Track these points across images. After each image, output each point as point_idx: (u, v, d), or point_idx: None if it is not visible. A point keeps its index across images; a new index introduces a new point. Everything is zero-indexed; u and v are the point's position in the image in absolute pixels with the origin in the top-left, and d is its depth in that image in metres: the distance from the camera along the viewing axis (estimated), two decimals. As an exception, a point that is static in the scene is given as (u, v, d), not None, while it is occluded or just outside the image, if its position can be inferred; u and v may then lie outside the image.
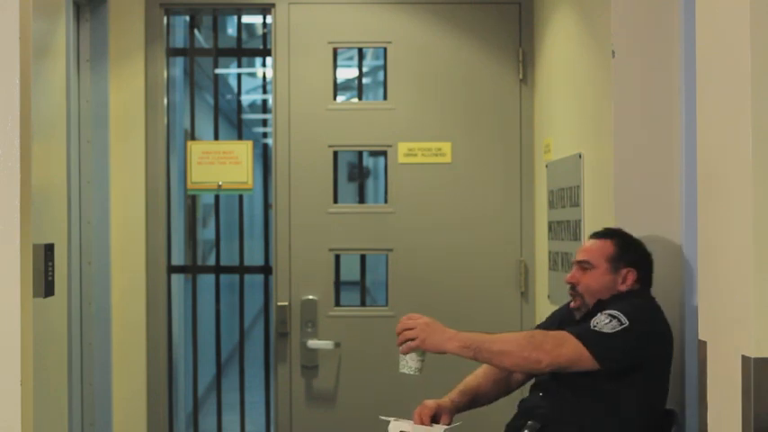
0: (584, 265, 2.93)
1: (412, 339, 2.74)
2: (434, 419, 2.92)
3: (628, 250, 2.94)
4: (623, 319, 2.74)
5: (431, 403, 2.95)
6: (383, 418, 2.93)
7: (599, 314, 2.79)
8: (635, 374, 2.77)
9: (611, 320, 2.75)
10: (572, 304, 2.99)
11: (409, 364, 2.80)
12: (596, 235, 3.00)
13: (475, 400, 3.04)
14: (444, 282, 4.29)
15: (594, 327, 2.74)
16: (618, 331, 2.72)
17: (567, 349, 2.70)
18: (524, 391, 3.08)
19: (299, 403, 4.28)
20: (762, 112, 1.89)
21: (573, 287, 2.95)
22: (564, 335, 2.73)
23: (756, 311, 1.90)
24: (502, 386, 3.08)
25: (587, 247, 2.97)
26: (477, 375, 3.07)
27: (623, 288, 2.90)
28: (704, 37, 2.17)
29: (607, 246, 2.94)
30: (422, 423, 2.89)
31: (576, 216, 3.48)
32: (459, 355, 2.71)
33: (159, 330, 4.31)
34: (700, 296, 2.23)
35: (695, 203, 2.30)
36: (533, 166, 4.27)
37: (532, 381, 3.02)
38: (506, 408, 3.07)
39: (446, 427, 2.87)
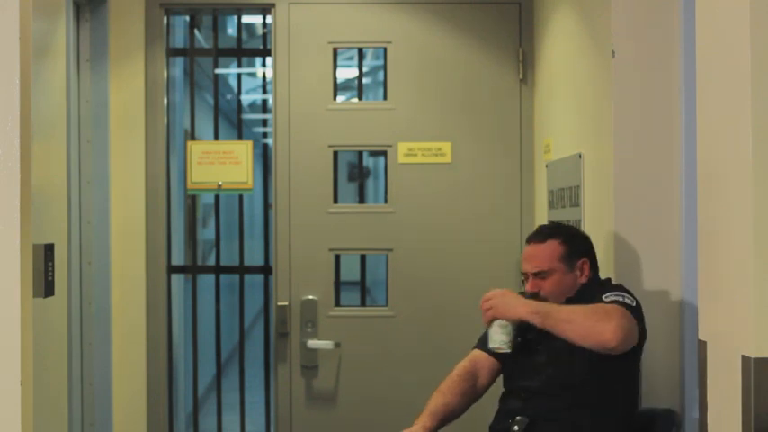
0: (542, 275, 2.91)
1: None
2: None
3: (574, 242, 2.95)
4: (630, 299, 2.76)
5: None
6: None
7: (608, 294, 2.77)
8: (627, 363, 2.78)
9: (624, 297, 2.75)
10: None
11: (494, 338, 2.83)
12: (536, 238, 2.97)
13: (445, 418, 2.97)
14: (444, 282, 4.29)
15: (625, 301, 2.73)
16: (637, 304, 2.76)
17: (629, 322, 2.68)
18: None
19: (299, 403, 4.28)
20: (762, 112, 1.89)
21: (535, 295, 2.91)
22: (621, 308, 2.70)
23: (756, 311, 1.90)
24: (469, 395, 3.02)
25: (534, 254, 2.93)
26: (443, 392, 3.00)
27: (584, 280, 2.92)
28: (704, 37, 2.17)
29: (554, 247, 2.92)
30: None
31: (576, 216, 3.48)
32: (530, 321, 2.74)
33: (159, 330, 4.31)
34: (700, 296, 2.23)
35: (695, 203, 2.30)
36: (533, 166, 4.27)
37: (501, 390, 2.99)
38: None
39: None
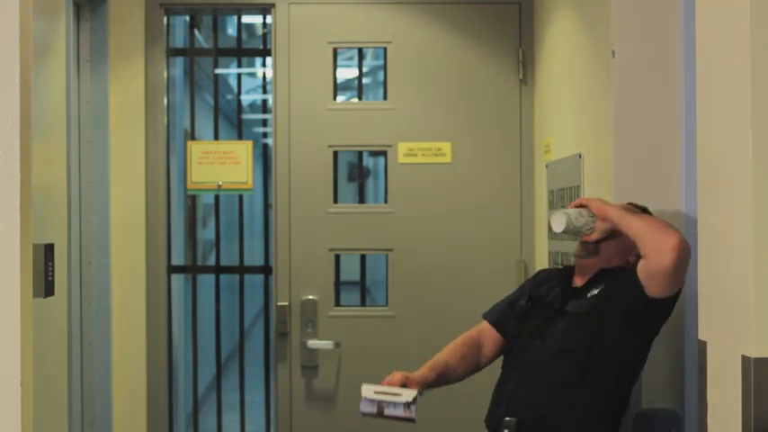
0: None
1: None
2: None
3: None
4: None
5: (399, 374, 2.92)
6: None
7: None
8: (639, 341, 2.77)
9: None
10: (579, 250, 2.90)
11: (572, 217, 2.77)
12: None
13: (443, 375, 3.00)
14: (444, 282, 4.29)
15: None
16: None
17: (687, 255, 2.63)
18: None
19: (299, 403, 4.28)
20: (762, 112, 1.89)
21: (595, 245, 2.85)
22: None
23: (756, 311, 1.90)
24: (470, 362, 3.04)
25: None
26: (445, 352, 3.04)
27: (632, 260, 2.81)
28: (704, 37, 2.17)
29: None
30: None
31: (576, 216, 3.47)
32: (610, 220, 2.73)
33: (159, 330, 4.31)
34: (700, 296, 2.23)
35: (695, 203, 2.30)
36: (533, 166, 4.27)
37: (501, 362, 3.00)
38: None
39: (416, 392, 2.86)
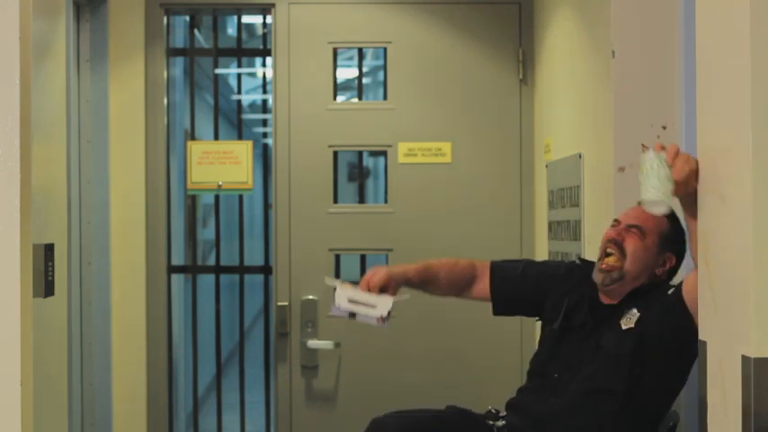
0: (635, 230, 2.69)
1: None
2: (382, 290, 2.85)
3: (678, 235, 2.69)
4: None
5: (381, 273, 2.85)
6: (328, 280, 2.86)
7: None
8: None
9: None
10: (602, 265, 2.72)
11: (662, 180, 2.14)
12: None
13: (427, 282, 2.97)
14: (444, 282, 4.28)
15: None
16: None
17: None
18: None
19: (299, 403, 4.28)
20: (762, 112, 1.89)
21: (617, 243, 2.69)
22: None
23: (756, 311, 1.90)
24: (455, 283, 3.01)
25: (639, 213, 2.67)
26: (441, 262, 3.01)
27: (660, 273, 2.71)
28: (704, 37, 2.17)
29: (663, 221, 2.67)
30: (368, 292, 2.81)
31: (576, 216, 3.48)
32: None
33: (159, 330, 4.31)
34: (700, 296, 2.23)
35: (695, 203, 2.30)
36: (533, 166, 4.27)
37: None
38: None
39: (393, 298, 2.78)
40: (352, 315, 2.78)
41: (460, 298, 3.08)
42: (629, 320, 2.69)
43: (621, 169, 3.11)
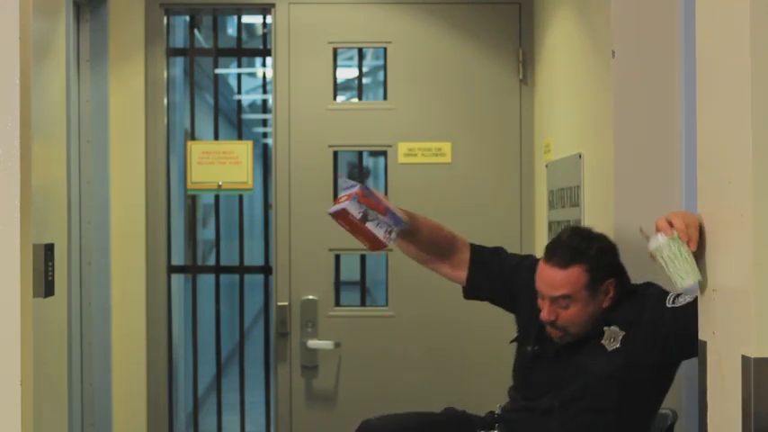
0: (562, 301, 2.62)
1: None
2: None
3: (599, 264, 2.63)
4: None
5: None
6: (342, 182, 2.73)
7: (674, 298, 2.53)
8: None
9: (674, 298, 2.53)
10: (552, 336, 2.70)
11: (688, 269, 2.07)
12: (557, 261, 2.62)
13: (410, 231, 2.87)
14: (444, 282, 4.27)
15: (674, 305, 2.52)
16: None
17: None
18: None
19: (299, 403, 4.28)
20: (762, 112, 1.89)
21: (553, 324, 2.65)
22: None
23: (756, 311, 1.90)
24: (430, 250, 2.95)
25: (557, 279, 2.60)
26: (428, 221, 2.93)
27: (608, 303, 2.65)
28: (704, 37, 2.17)
29: (577, 275, 2.60)
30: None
31: (576, 216, 3.48)
32: None
33: (159, 330, 4.31)
34: (699, 296, 2.23)
35: (695, 203, 2.30)
36: (533, 166, 4.27)
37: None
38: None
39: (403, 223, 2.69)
40: (364, 217, 2.65)
41: (428, 266, 3.00)
42: (614, 341, 2.64)
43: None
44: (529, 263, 2.92)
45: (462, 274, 2.99)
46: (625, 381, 2.64)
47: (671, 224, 2.06)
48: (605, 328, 2.65)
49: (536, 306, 2.74)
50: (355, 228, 2.67)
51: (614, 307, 2.67)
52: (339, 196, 2.71)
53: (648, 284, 2.74)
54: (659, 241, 2.08)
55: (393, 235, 2.68)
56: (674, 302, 2.56)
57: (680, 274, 2.07)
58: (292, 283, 4.29)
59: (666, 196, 3.09)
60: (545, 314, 2.64)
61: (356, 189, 2.66)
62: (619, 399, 2.64)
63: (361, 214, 2.65)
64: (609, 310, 2.67)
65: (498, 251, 3.04)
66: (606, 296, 2.65)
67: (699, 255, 2.08)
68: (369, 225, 2.68)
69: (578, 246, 2.63)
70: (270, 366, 4.52)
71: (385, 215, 2.67)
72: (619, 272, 2.71)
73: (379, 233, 2.67)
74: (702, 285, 2.16)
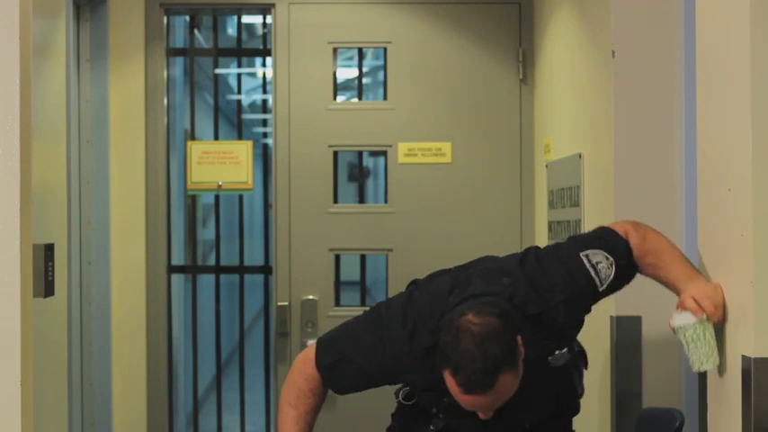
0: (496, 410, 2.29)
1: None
2: None
3: (512, 352, 2.22)
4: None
5: None
6: None
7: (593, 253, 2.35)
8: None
9: (604, 261, 2.33)
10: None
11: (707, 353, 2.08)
12: (484, 389, 2.19)
13: None
14: (444, 282, 4.28)
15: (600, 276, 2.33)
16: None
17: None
18: None
19: (299, 403, 4.27)
20: (762, 112, 1.89)
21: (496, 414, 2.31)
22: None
23: (756, 311, 1.90)
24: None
25: (487, 403, 2.24)
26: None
27: (523, 355, 2.26)
28: (704, 37, 2.17)
29: (508, 378, 2.21)
30: None
31: (576, 216, 3.48)
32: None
33: (159, 330, 4.31)
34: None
35: (695, 203, 2.30)
36: (533, 166, 4.27)
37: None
38: None
39: None
40: None
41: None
42: (559, 358, 2.40)
43: None
44: (410, 356, 2.42)
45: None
46: (574, 365, 2.52)
47: (699, 304, 2.06)
48: (549, 359, 2.38)
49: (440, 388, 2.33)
50: None
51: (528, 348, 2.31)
52: None
53: (520, 265, 2.43)
54: (685, 321, 2.08)
55: None
56: (602, 285, 2.34)
57: (700, 359, 2.07)
58: (292, 283, 4.29)
59: (666, 196, 3.09)
60: (483, 417, 2.30)
61: None
62: (579, 380, 2.57)
63: None
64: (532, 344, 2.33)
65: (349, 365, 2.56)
66: (521, 352, 2.28)
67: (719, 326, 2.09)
68: None
69: (492, 356, 2.20)
70: (270, 366, 4.52)
71: None
72: (514, 331, 2.28)
73: None
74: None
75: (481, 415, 2.29)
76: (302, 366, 2.61)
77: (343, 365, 2.53)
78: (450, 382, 2.25)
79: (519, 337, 2.26)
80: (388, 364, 2.44)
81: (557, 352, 2.38)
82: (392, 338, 2.43)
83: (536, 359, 2.33)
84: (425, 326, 2.39)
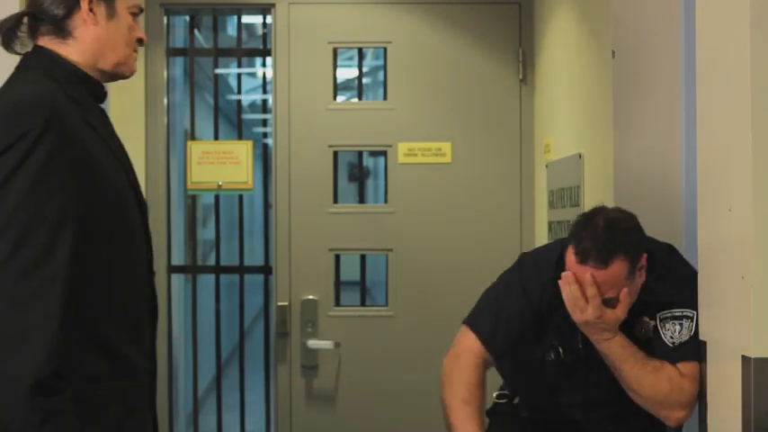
0: (611, 303, 2.40)
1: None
2: None
3: (636, 245, 2.39)
4: (690, 312, 2.37)
5: None
6: None
7: (663, 322, 2.42)
8: None
9: (681, 325, 2.39)
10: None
11: None
12: (597, 261, 2.35)
13: None
14: (444, 282, 4.28)
15: (674, 342, 2.39)
16: (695, 332, 2.34)
17: (693, 386, 2.35)
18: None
19: (299, 403, 4.28)
20: (762, 112, 1.89)
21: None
22: (679, 375, 2.35)
23: (756, 311, 1.90)
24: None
25: (602, 278, 2.35)
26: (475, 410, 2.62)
27: (643, 279, 2.41)
28: (704, 37, 2.17)
29: (620, 268, 2.35)
30: None
31: (576, 216, 3.47)
32: (603, 353, 2.43)
33: (159, 330, 4.30)
34: (700, 296, 2.23)
35: (695, 203, 2.30)
36: (533, 166, 4.27)
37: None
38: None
39: None
40: None
41: None
42: (646, 331, 2.48)
43: None
44: (529, 297, 2.67)
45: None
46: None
47: None
48: (641, 319, 2.48)
49: (557, 313, 2.54)
50: None
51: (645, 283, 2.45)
52: None
53: (671, 251, 2.56)
54: None
55: None
56: (672, 342, 2.43)
57: None
58: (292, 283, 4.29)
59: (666, 196, 3.09)
60: (592, 314, 2.38)
61: None
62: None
63: None
64: (643, 288, 2.45)
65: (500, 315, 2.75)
66: (641, 273, 2.42)
67: None
68: None
69: (612, 236, 2.36)
70: (270, 366, 4.52)
71: None
72: (644, 241, 2.45)
73: None
74: (703, 285, 2.16)
75: (588, 314, 2.36)
76: (466, 357, 2.71)
77: (501, 323, 2.68)
78: (569, 257, 2.41)
79: (644, 254, 2.38)
80: (532, 304, 2.62)
81: (649, 321, 2.47)
82: (529, 287, 2.67)
83: (636, 314, 2.43)
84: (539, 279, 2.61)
